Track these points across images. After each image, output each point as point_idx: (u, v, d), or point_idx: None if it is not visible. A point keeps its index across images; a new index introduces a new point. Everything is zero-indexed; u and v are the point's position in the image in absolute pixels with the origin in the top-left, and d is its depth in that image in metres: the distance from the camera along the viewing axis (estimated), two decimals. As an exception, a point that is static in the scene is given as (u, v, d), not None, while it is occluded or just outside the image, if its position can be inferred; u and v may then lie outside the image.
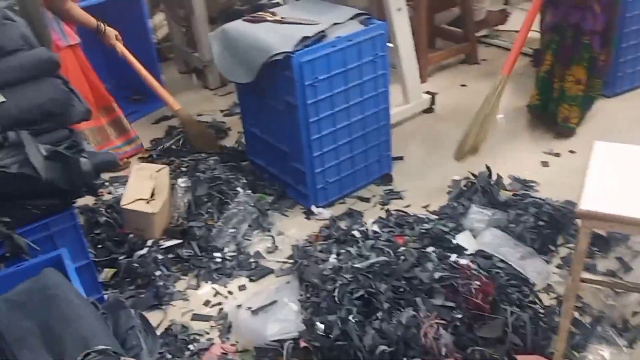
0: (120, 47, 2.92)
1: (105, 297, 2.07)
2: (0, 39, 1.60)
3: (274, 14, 2.58)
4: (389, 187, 2.70)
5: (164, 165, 2.64)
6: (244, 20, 2.57)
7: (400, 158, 2.85)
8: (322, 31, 2.40)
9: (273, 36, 2.39)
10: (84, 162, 1.66)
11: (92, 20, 2.81)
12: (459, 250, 2.10)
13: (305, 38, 2.35)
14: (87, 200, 2.53)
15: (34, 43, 1.70)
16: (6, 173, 1.57)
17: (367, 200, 2.63)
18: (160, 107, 3.40)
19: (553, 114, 2.89)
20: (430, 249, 2.08)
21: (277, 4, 3.76)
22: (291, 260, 2.29)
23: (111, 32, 2.88)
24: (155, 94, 3.08)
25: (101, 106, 2.94)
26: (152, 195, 2.43)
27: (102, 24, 2.84)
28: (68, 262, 1.64)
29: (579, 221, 1.66)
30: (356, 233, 2.25)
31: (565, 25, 2.71)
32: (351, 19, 2.50)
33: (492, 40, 3.87)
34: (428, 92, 3.23)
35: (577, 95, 2.81)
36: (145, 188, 2.44)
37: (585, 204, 1.54)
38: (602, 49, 2.75)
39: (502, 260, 2.04)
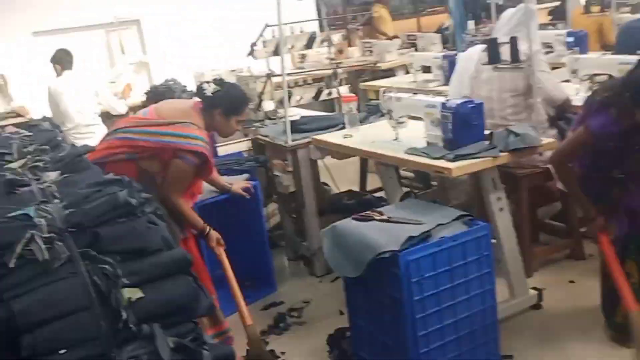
0: (220, 250, 3.06)
1: None
2: (146, 241, 1.80)
3: (380, 213, 2.73)
4: (498, 390, 2.60)
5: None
6: (353, 218, 2.74)
7: (510, 357, 2.77)
8: (427, 231, 2.52)
9: (380, 235, 2.52)
10: (206, 355, 1.76)
11: (199, 221, 2.99)
12: None
13: (410, 237, 2.46)
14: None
15: (171, 244, 1.90)
16: (136, 364, 1.68)
17: (474, 403, 2.54)
18: (271, 293, 3.53)
19: None
20: None
21: (382, 199, 4.00)
22: None
23: (214, 235, 3.02)
24: (235, 302, 2.97)
25: None
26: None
27: (207, 227, 3.00)
28: None
29: None
30: None
31: None
32: (455, 219, 2.61)
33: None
34: (535, 288, 3.20)
35: None
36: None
37: None
38: None
39: None
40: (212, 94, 2.93)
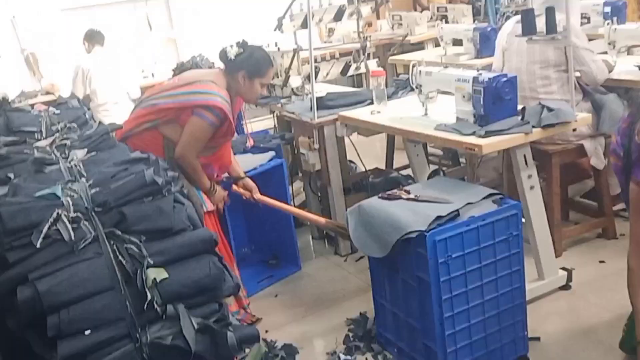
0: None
1: None
2: (171, 221, 1.79)
3: (407, 192, 2.69)
4: (526, 370, 2.57)
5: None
6: (380, 197, 2.70)
7: (537, 339, 2.72)
8: (456, 210, 2.47)
9: (407, 214, 2.48)
10: (230, 336, 1.76)
11: (207, 182, 2.96)
12: None
13: (439, 217, 2.42)
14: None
15: (197, 223, 1.89)
16: (160, 344, 1.69)
17: (501, 383, 2.51)
18: (296, 272, 3.54)
19: None
20: None
21: (409, 177, 3.95)
22: None
23: (220, 194, 3.03)
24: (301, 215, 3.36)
25: None
26: None
27: (214, 185, 2.99)
28: None
29: None
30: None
31: None
32: (484, 198, 2.56)
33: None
34: (564, 268, 3.14)
35: None
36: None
37: None
38: None
39: None
40: (235, 56, 2.89)
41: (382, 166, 4.61)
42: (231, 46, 2.92)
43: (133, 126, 2.92)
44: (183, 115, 2.84)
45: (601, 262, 3.33)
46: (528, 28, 3.06)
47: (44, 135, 2.67)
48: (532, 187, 2.92)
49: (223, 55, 2.94)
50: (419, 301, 2.50)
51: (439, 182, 2.82)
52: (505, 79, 2.84)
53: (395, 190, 2.72)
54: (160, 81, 6.30)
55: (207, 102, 2.80)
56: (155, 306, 1.66)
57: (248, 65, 2.90)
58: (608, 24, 3.95)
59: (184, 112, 2.83)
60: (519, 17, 3.44)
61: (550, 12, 2.95)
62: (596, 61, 3.39)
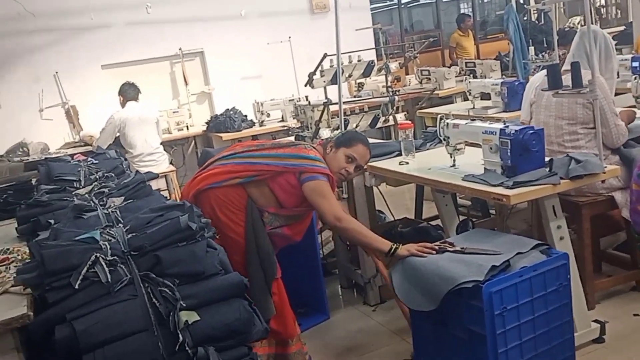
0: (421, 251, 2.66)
1: None
2: (204, 265, 1.85)
3: (452, 244, 2.66)
4: None
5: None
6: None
7: (573, 393, 2.67)
8: (506, 261, 2.44)
9: (457, 265, 2.45)
10: (259, 379, 1.79)
11: (382, 242, 2.74)
12: None
13: (493, 267, 2.39)
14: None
15: (228, 268, 1.94)
16: (191, 387, 1.72)
17: None
18: (324, 321, 3.54)
19: None
20: None
21: (438, 227, 3.96)
22: None
23: (403, 252, 2.66)
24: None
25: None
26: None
27: (392, 245, 2.69)
28: None
29: None
30: None
31: None
32: (533, 248, 2.54)
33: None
34: (597, 321, 3.09)
35: None
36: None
37: None
38: None
39: None
40: (333, 130, 3.05)
41: (411, 216, 4.63)
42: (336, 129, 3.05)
43: (221, 179, 2.86)
44: (280, 179, 2.83)
45: (635, 315, 3.27)
46: (554, 82, 3.10)
47: (82, 183, 2.78)
48: (561, 238, 2.91)
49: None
50: (471, 356, 2.44)
51: (477, 234, 2.78)
52: (532, 131, 2.87)
53: (438, 244, 2.67)
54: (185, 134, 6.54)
55: (313, 168, 2.81)
56: (187, 348, 1.70)
57: (340, 136, 3.04)
58: (635, 78, 3.98)
59: (285, 176, 2.82)
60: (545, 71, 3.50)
61: (575, 67, 3.00)
62: (618, 126, 3.42)
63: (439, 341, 2.61)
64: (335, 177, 2.97)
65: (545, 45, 7.85)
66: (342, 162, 2.94)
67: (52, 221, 2.21)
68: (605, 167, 2.98)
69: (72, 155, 3.86)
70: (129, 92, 5.85)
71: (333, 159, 2.93)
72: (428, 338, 2.69)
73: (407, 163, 3.50)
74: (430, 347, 2.68)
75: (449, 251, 2.58)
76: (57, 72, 6.82)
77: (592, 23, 3.51)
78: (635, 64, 4.70)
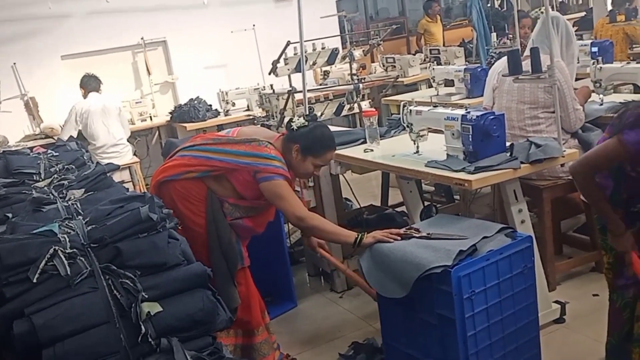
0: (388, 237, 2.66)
1: None
2: (165, 256, 1.83)
3: (417, 230, 2.65)
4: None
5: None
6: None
7: (533, 373, 2.73)
8: (473, 245, 2.45)
9: (425, 251, 2.45)
10: (224, 369, 1.78)
11: (347, 234, 2.73)
12: None
13: (461, 252, 2.39)
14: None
15: (191, 258, 1.93)
16: (155, 378, 1.71)
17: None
18: (292, 309, 3.55)
19: None
20: None
21: (403, 213, 4.00)
22: None
23: (369, 240, 2.64)
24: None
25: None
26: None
27: (358, 235, 2.68)
28: None
29: None
30: None
31: None
32: (498, 232, 2.56)
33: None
34: (557, 302, 3.16)
35: None
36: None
37: None
38: None
39: None
40: (298, 127, 2.82)
41: (377, 203, 4.66)
42: (299, 117, 2.88)
43: (177, 172, 2.83)
44: (237, 174, 2.78)
45: (595, 295, 3.35)
46: (514, 68, 3.15)
47: (42, 176, 2.73)
48: (523, 222, 2.97)
49: (288, 124, 2.88)
50: (441, 340, 2.46)
51: (442, 219, 2.80)
52: (492, 116, 2.91)
53: (405, 229, 2.67)
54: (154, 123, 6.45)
55: (267, 168, 2.72)
56: (150, 339, 1.68)
57: (305, 140, 2.79)
58: (594, 63, 4.06)
59: (241, 172, 2.77)
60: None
61: (534, 52, 3.05)
62: (577, 110, 3.48)
63: (407, 326, 2.63)
64: (299, 177, 2.96)
65: (507, 32, 7.93)
66: (310, 169, 2.86)
67: (9, 215, 2.16)
68: (564, 151, 3.04)
69: (31, 148, 3.78)
70: (90, 84, 5.75)
71: (299, 165, 2.83)
72: (396, 323, 2.71)
73: (372, 150, 3.52)
74: (398, 332, 2.70)
75: (415, 237, 2.58)
76: (14, 63, 6.66)
77: (552, 9, 3.56)
78: (595, 49, 4.80)
